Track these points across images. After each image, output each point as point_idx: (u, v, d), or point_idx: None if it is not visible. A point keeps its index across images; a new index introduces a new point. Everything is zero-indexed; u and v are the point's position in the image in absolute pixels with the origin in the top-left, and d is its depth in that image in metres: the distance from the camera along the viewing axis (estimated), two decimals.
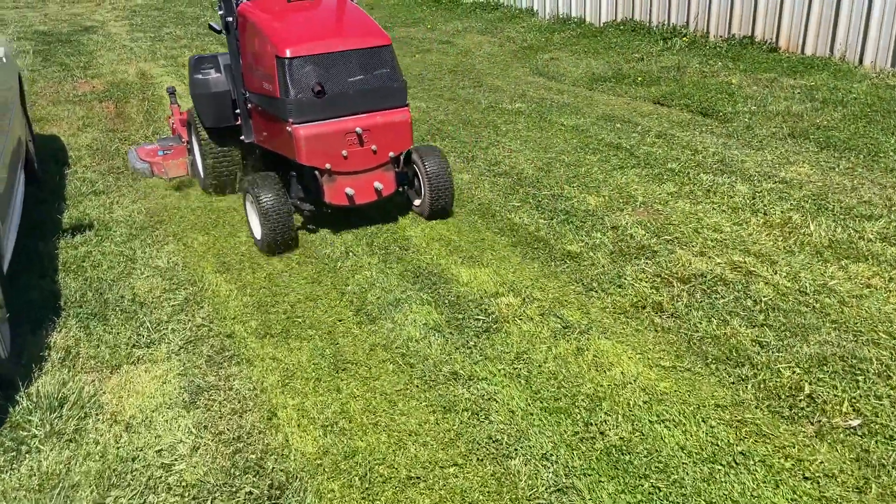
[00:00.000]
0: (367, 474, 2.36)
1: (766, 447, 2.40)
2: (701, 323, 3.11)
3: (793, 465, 2.32)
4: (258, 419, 2.64)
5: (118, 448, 2.50)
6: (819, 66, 6.89)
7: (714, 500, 2.21)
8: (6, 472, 2.42)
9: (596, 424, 2.54)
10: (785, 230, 3.91)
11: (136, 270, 3.79)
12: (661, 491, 2.25)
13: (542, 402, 2.66)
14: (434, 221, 4.25)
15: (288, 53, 3.67)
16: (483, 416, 2.61)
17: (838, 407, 2.56)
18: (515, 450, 2.44)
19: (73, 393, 2.77)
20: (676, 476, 2.30)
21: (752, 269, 3.53)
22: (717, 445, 2.41)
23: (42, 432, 2.58)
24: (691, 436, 2.46)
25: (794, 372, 2.75)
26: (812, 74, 6.74)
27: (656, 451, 2.40)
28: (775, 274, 3.47)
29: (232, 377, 2.89)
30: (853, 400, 2.59)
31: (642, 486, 2.27)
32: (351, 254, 3.90)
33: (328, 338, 3.15)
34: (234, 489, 2.31)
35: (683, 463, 2.35)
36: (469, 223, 4.23)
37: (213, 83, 4.28)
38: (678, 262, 3.63)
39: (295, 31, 3.85)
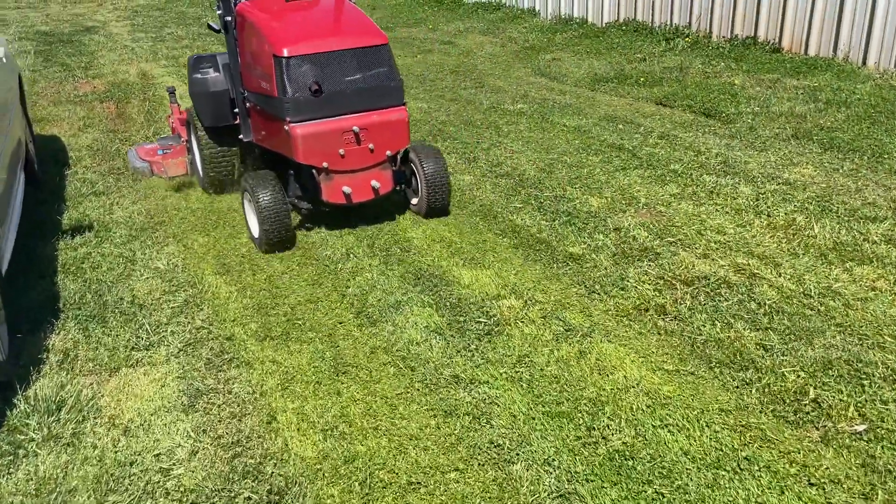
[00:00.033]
0: (367, 479, 2.34)
1: (770, 452, 2.37)
2: (704, 326, 3.08)
3: (798, 470, 2.30)
4: (257, 423, 2.61)
5: (116, 452, 2.48)
6: (822, 67, 6.86)
7: None
8: (3, 476, 2.40)
9: (598, 429, 2.51)
10: (789, 232, 3.88)
11: (135, 272, 3.77)
12: (664, 497, 2.22)
13: (544, 407, 2.63)
14: (436, 223, 4.23)
15: (285, 53, 3.68)
16: (484, 421, 2.58)
17: (844, 412, 2.53)
18: (517, 455, 2.41)
19: (72, 396, 2.75)
20: (680, 482, 2.27)
21: (755, 271, 3.50)
22: (722, 451, 2.39)
23: (40, 436, 2.56)
24: (695, 441, 2.44)
25: (798, 376, 2.73)
26: (815, 75, 6.70)
27: (660, 456, 2.38)
28: (779, 276, 3.44)
29: (231, 380, 2.87)
30: (859, 405, 2.57)
31: (645, 492, 2.24)
32: (352, 255, 3.88)
33: (328, 340, 3.12)
34: (232, 494, 2.29)
35: (687, 468, 2.32)
36: (471, 224, 4.21)
37: (212, 82, 4.29)
38: (681, 264, 3.60)
39: (292, 31, 3.87)
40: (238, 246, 4.06)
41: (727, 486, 2.25)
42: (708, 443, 2.42)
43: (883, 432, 2.43)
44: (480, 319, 3.21)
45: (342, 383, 2.83)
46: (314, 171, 3.91)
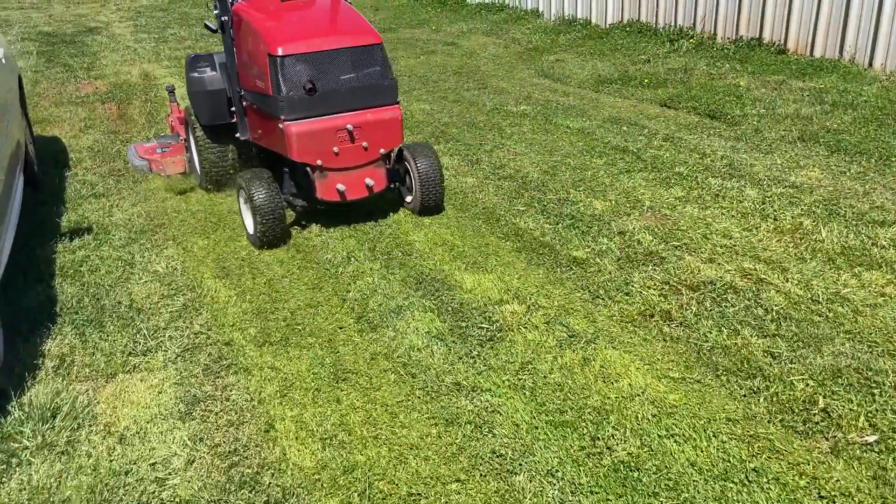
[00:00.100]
0: (366, 490, 2.29)
1: (779, 464, 2.32)
2: (711, 332, 3.03)
3: (808, 483, 2.24)
4: (255, 431, 2.57)
5: (111, 461, 2.43)
6: (828, 69, 6.79)
7: None
8: None
9: (603, 439, 2.46)
10: (796, 236, 3.83)
11: (134, 275, 3.73)
12: None
13: (547, 415, 2.58)
14: (437, 226, 4.18)
15: (280, 52, 3.73)
16: (486, 430, 2.53)
17: (854, 422, 2.48)
18: (520, 465, 2.36)
19: (67, 403, 2.70)
20: (687, 494, 2.22)
21: (762, 276, 3.44)
22: (729, 462, 2.33)
23: (34, 444, 2.51)
24: (702, 451, 2.38)
25: (807, 384, 2.67)
26: (821, 77, 6.64)
27: (666, 467, 2.32)
28: (787, 281, 3.39)
29: (229, 387, 2.82)
30: (869, 414, 2.51)
31: None
32: (353, 259, 3.83)
33: (328, 346, 3.08)
34: None
35: (694, 480, 2.27)
36: (473, 228, 4.16)
37: (209, 81, 4.33)
38: (687, 268, 3.55)
39: (287, 30, 3.91)
40: (238, 249, 4.02)
41: (735, 498, 2.20)
42: (715, 453, 2.37)
43: (894, 443, 2.38)
44: (483, 325, 3.16)
45: (342, 390, 2.78)
46: (309, 168, 3.94)
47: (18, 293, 3.52)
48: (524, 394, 2.71)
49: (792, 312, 3.13)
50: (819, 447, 2.38)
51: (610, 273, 3.56)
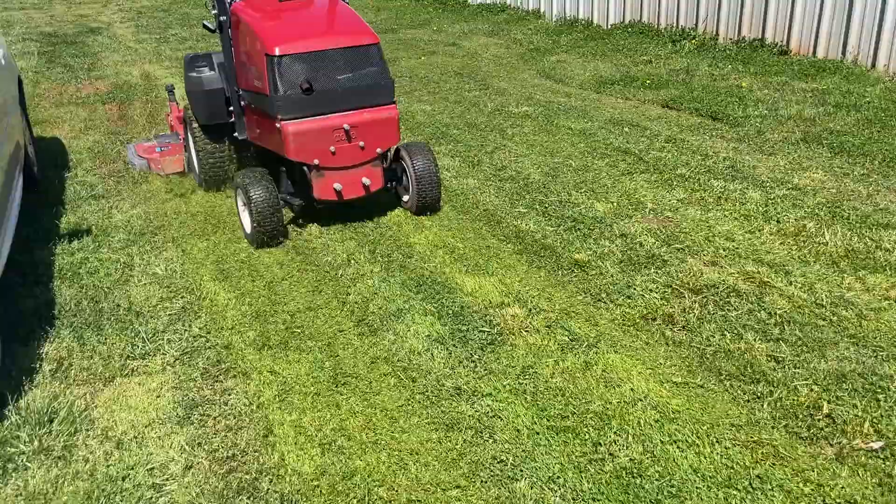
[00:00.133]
0: (365, 497, 2.26)
1: (783, 471, 2.29)
2: (714, 336, 3.00)
3: (812, 490, 2.21)
4: (253, 436, 2.54)
5: (108, 466, 2.41)
6: (831, 70, 6.76)
7: None
8: None
9: (605, 444, 2.43)
10: (799, 239, 3.80)
11: (133, 278, 3.71)
12: None
13: (548, 421, 2.56)
14: (438, 228, 4.15)
15: (277, 51, 3.74)
16: (487, 435, 2.51)
17: (859, 428, 2.45)
18: (521, 471, 2.34)
19: (64, 407, 2.68)
20: (690, 501, 2.19)
21: (765, 279, 3.41)
22: (733, 468, 2.31)
23: (30, 449, 2.49)
24: (705, 458, 2.36)
25: (811, 390, 2.64)
26: (824, 78, 6.61)
27: (669, 473, 2.30)
28: (790, 285, 3.36)
29: (228, 391, 2.80)
30: (874, 420, 2.48)
31: None
32: (353, 261, 3.81)
33: (328, 350, 3.05)
34: None
35: (697, 487, 2.24)
36: (474, 230, 4.13)
37: (207, 81, 4.35)
38: (689, 271, 3.52)
39: (284, 30, 3.93)
40: (238, 251, 4.00)
41: None
42: (718, 460, 2.34)
43: None
44: (483, 328, 3.13)
45: (341, 395, 2.76)
46: (305, 168, 3.95)
47: (17, 296, 3.50)
48: (525, 398, 2.68)
49: (795, 316, 3.11)
50: (824, 454, 2.36)
51: (612, 276, 3.53)
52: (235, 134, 4.41)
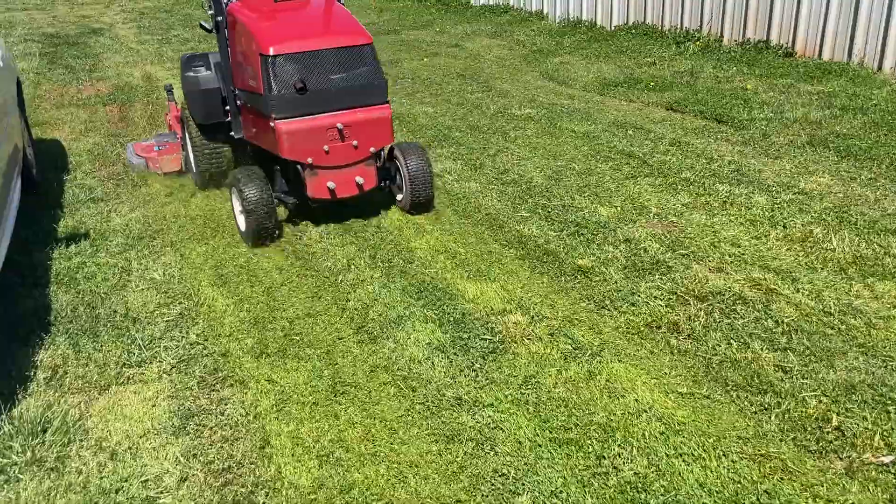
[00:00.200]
0: None
1: (792, 485, 2.23)
2: (720, 345, 2.95)
3: None
4: (250, 448, 2.49)
5: (101, 478, 2.36)
6: (836, 72, 6.70)
7: None
8: None
9: (609, 458, 2.37)
10: (806, 245, 3.74)
11: (130, 283, 3.66)
12: None
13: (551, 432, 2.50)
14: (439, 233, 4.10)
15: (271, 51, 3.78)
16: (488, 447, 2.45)
17: (869, 441, 2.39)
18: (523, 485, 2.28)
19: (58, 417, 2.63)
20: None
21: (772, 286, 3.35)
22: (740, 483, 2.25)
23: (23, 459, 2.44)
24: (711, 472, 2.30)
25: (820, 401, 2.59)
26: (830, 80, 6.54)
27: (674, 488, 2.24)
28: (797, 292, 3.30)
29: (224, 400, 2.75)
30: (885, 433, 2.42)
31: None
32: (353, 267, 3.76)
33: (327, 358, 3.00)
34: None
35: (704, 502, 2.18)
36: (476, 235, 4.08)
37: (203, 80, 4.37)
38: (694, 278, 3.46)
39: (279, 30, 3.95)
40: (237, 256, 3.95)
41: None
42: (725, 474, 2.29)
43: None
44: (485, 336, 3.08)
45: (340, 404, 2.71)
46: (299, 166, 3.99)
47: (12, 300, 3.45)
48: (527, 409, 2.63)
49: (803, 325, 3.05)
50: (833, 468, 2.30)
51: (616, 282, 3.48)
52: (231, 133, 4.43)
